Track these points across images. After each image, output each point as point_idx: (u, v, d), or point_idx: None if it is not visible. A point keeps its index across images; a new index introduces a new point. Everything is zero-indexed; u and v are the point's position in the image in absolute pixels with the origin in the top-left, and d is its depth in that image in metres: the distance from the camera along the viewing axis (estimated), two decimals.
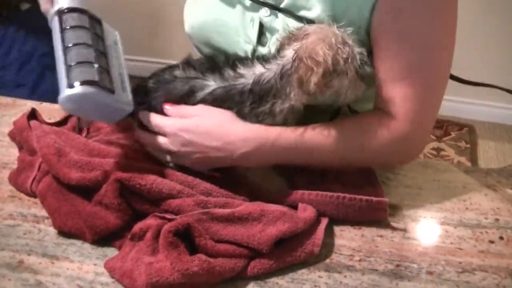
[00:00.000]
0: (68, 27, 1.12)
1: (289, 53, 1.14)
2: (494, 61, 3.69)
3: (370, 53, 1.24)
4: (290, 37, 1.17)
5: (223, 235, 1.07)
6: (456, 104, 3.77)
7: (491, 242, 1.19)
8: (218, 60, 1.25)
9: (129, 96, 1.17)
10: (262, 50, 1.32)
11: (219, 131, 1.17)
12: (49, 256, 1.12)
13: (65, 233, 1.16)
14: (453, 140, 3.84)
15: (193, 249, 1.06)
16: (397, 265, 1.12)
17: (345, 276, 1.09)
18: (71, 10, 1.14)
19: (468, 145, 3.82)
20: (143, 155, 1.25)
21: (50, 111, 1.52)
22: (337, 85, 1.12)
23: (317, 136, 1.19)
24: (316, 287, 1.07)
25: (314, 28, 1.14)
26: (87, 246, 1.14)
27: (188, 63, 1.26)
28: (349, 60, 1.10)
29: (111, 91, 1.10)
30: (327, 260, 1.13)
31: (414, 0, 1.17)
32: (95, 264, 1.10)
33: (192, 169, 1.22)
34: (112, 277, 1.06)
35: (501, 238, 1.20)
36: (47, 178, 1.21)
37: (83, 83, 1.06)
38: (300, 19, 1.25)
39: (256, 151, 1.17)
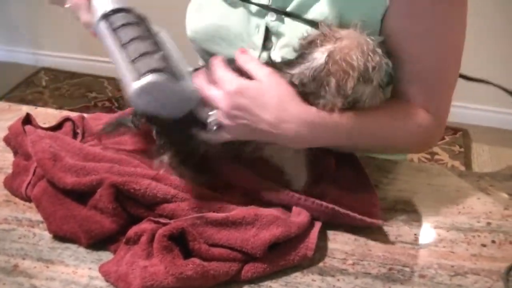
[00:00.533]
0: (119, 26, 1.10)
1: (318, 55, 1.13)
2: (494, 60, 3.71)
3: None
4: (318, 39, 1.16)
5: (217, 239, 1.08)
6: (450, 108, 3.79)
7: (483, 245, 1.20)
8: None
9: (191, 82, 1.12)
10: (266, 55, 1.33)
11: (278, 106, 1.12)
12: (44, 260, 1.12)
13: (60, 237, 1.17)
14: (447, 144, 3.85)
15: (188, 253, 1.07)
16: (390, 269, 1.13)
17: (338, 280, 1.10)
18: (116, 11, 1.12)
19: (462, 149, 3.84)
20: (138, 159, 1.26)
21: (45, 116, 1.53)
22: (360, 91, 1.13)
23: (371, 122, 1.21)
24: None
25: (347, 33, 1.14)
26: (82, 250, 1.15)
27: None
28: (377, 69, 1.11)
29: (178, 78, 1.07)
30: (321, 264, 1.13)
31: (433, 2, 1.21)
32: (90, 268, 1.10)
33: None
34: (107, 281, 1.07)
35: (493, 241, 1.21)
36: (42, 183, 1.21)
37: (151, 71, 1.02)
38: (307, 22, 1.26)
39: (309, 136, 1.16)
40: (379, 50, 1.12)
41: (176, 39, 1.15)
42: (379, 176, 1.37)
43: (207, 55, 1.44)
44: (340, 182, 1.27)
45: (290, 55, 1.24)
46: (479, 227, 1.25)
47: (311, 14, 1.28)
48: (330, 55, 1.11)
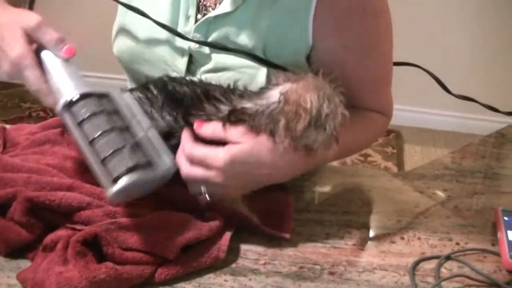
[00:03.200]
0: (83, 120, 1.08)
1: (275, 93, 1.12)
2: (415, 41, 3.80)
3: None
4: (280, 79, 1.15)
5: (131, 244, 1.10)
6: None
7: (393, 242, 1.26)
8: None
9: (166, 158, 1.13)
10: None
11: (272, 158, 1.13)
12: None
13: None
14: (380, 146, 3.93)
15: (103, 258, 1.09)
16: (301, 267, 1.17)
17: (250, 279, 1.13)
18: (77, 100, 1.09)
19: (395, 150, 3.91)
20: (56, 169, 1.28)
21: None
22: (312, 137, 1.11)
23: (350, 137, 1.27)
24: None
25: (307, 76, 1.13)
26: (0, 259, 1.15)
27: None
28: (331, 116, 1.10)
29: (151, 165, 1.08)
30: (233, 265, 1.17)
31: (359, 36, 1.31)
32: (8, 277, 1.11)
33: None
34: None
35: (402, 238, 1.27)
36: None
37: (126, 172, 1.04)
38: (232, 50, 1.30)
39: (301, 169, 1.23)
40: (336, 99, 1.11)
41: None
42: (293, 179, 1.40)
43: (133, 73, 1.46)
44: None
45: (214, 80, 1.26)
46: (390, 225, 1.31)
47: (232, 44, 1.31)
48: (285, 94, 1.10)
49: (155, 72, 1.36)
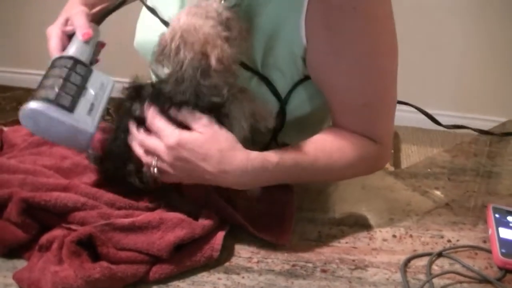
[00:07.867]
0: (52, 66, 1.23)
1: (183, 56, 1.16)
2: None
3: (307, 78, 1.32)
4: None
5: (125, 244, 1.12)
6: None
7: (384, 240, 1.27)
8: None
9: (93, 121, 1.18)
10: None
11: (219, 158, 1.14)
12: None
13: None
14: None
15: (99, 258, 1.11)
16: (293, 265, 1.19)
17: (243, 277, 1.15)
18: (61, 57, 1.26)
19: (392, 150, 3.91)
20: (52, 170, 1.30)
21: None
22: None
23: (314, 154, 1.23)
24: None
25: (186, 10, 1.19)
26: None
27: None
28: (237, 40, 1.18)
29: (68, 109, 1.15)
30: (227, 263, 1.18)
31: (351, 40, 1.22)
32: (4, 276, 1.13)
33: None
34: None
35: (394, 236, 1.28)
36: None
37: (37, 99, 1.13)
38: None
39: (251, 181, 1.19)
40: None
41: None
42: None
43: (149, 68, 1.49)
44: None
45: None
46: (382, 223, 1.32)
47: None
48: (181, 33, 1.16)
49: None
